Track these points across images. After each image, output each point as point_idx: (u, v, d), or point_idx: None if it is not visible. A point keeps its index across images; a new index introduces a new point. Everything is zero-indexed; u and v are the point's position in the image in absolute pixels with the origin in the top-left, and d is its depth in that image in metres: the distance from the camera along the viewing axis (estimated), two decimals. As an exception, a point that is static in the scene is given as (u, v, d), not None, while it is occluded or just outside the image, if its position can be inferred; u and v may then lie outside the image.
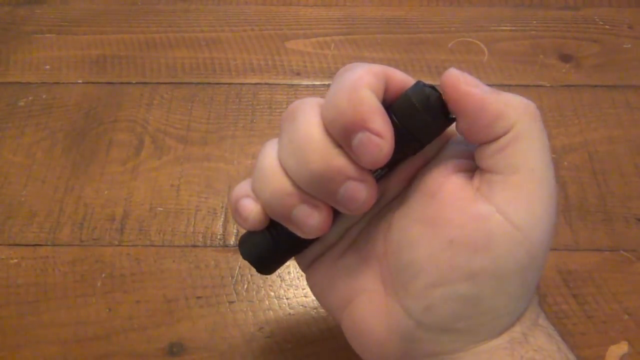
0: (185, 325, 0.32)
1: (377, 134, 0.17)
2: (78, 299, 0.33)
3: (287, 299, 0.33)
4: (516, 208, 0.17)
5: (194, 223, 0.36)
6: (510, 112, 0.17)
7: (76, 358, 0.31)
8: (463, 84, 0.17)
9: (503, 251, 0.17)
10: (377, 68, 0.18)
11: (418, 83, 0.18)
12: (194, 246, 0.35)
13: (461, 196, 0.18)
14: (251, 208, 0.21)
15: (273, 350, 0.31)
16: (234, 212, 0.21)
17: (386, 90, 0.18)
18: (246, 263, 0.34)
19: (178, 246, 0.35)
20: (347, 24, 0.46)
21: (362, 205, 0.19)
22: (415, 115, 0.18)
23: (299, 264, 0.24)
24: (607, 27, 0.46)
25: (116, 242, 0.35)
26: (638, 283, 0.33)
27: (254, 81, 0.43)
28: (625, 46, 0.44)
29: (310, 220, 0.19)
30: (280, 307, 0.33)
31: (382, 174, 0.20)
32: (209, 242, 0.35)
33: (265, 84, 0.43)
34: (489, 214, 0.17)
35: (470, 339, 0.19)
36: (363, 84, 0.18)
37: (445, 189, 0.19)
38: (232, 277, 0.34)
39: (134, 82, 0.43)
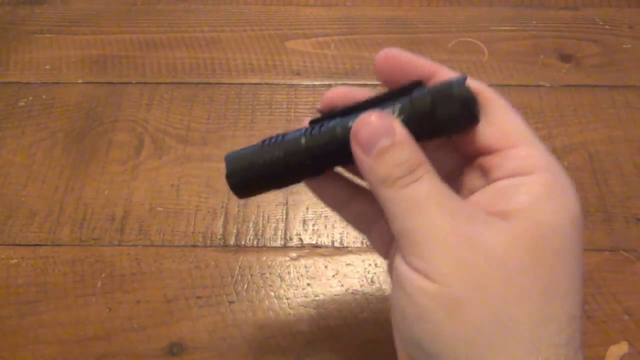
0: (185, 325, 0.32)
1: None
2: (78, 299, 0.33)
3: (287, 299, 0.33)
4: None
5: (194, 223, 0.36)
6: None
7: (76, 358, 0.31)
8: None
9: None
10: None
11: (462, 77, 0.19)
12: (194, 246, 0.35)
13: None
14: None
15: (273, 350, 0.31)
16: None
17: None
18: (246, 263, 0.34)
19: (178, 246, 0.35)
20: (347, 24, 0.46)
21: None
22: (449, 104, 0.19)
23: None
24: (607, 27, 0.46)
25: (116, 242, 0.35)
26: (638, 283, 0.33)
27: (254, 81, 0.43)
28: (625, 46, 0.44)
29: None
30: (280, 307, 0.33)
31: None
32: (209, 242, 0.35)
33: (265, 84, 0.43)
34: None
35: None
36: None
37: None
38: (232, 277, 0.34)
39: (134, 82, 0.43)
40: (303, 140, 0.21)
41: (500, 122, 0.19)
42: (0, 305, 0.33)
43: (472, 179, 0.20)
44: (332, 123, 0.21)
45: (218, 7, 0.48)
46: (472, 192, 0.20)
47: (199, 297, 0.33)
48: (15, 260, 0.35)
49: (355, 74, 0.43)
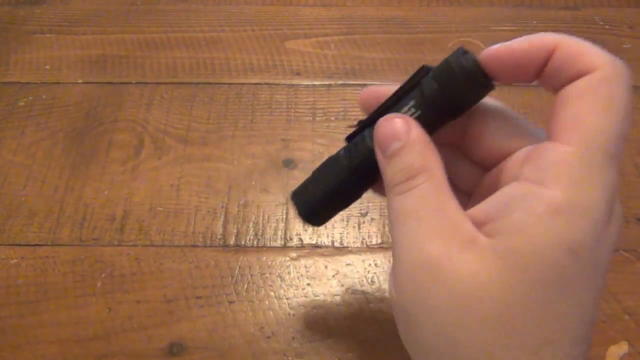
0: (185, 325, 0.32)
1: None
2: (78, 299, 0.33)
3: (287, 299, 0.33)
4: None
5: (194, 223, 0.36)
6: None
7: (76, 358, 0.31)
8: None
9: None
10: None
11: (459, 49, 0.19)
12: (194, 246, 0.35)
13: None
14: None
15: (273, 350, 0.31)
16: None
17: None
18: (246, 263, 0.34)
19: (178, 246, 0.35)
20: (347, 24, 0.46)
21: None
22: (453, 81, 0.18)
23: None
24: (607, 27, 0.46)
25: (116, 242, 0.35)
26: (638, 283, 0.33)
27: (254, 81, 0.43)
28: (625, 46, 0.44)
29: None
30: (280, 307, 0.33)
31: None
32: (209, 242, 0.35)
33: (265, 84, 0.43)
34: None
35: None
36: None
37: None
38: (232, 277, 0.34)
39: (134, 82, 0.43)
40: (344, 161, 0.22)
41: (570, 111, 0.16)
42: (0, 305, 0.33)
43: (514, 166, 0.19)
44: (364, 134, 0.21)
45: (218, 7, 0.48)
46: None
47: (199, 297, 0.33)
48: (15, 260, 0.35)
49: (355, 74, 0.43)
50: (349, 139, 0.22)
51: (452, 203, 0.18)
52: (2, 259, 0.35)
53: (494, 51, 0.18)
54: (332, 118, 0.41)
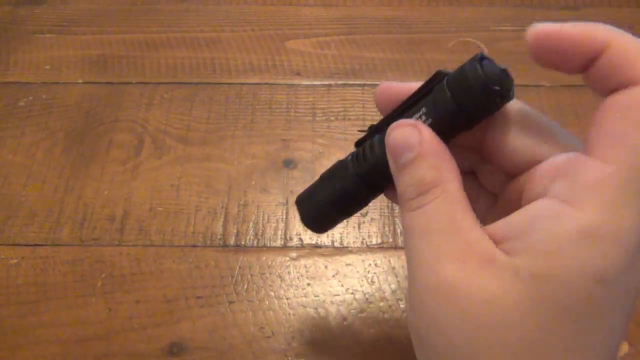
0: (185, 325, 0.32)
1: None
2: (78, 299, 0.33)
3: (287, 299, 0.33)
4: None
5: (194, 223, 0.36)
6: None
7: (76, 358, 0.31)
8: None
9: None
10: None
11: (476, 55, 0.17)
12: (194, 246, 0.35)
13: None
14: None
15: (273, 350, 0.31)
16: None
17: None
18: (246, 263, 0.34)
19: (178, 246, 0.35)
20: (347, 24, 0.46)
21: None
22: (467, 91, 0.17)
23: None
24: (607, 27, 0.46)
25: (116, 242, 0.35)
26: (638, 283, 0.33)
27: (254, 81, 0.43)
28: (625, 46, 0.44)
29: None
30: (280, 307, 0.33)
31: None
32: (209, 242, 0.35)
33: (265, 84, 0.43)
34: None
35: None
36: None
37: None
38: (232, 277, 0.34)
39: (134, 82, 0.43)
40: (351, 168, 0.21)
41: (616, 125, 0.15)
42: (0, 305, 0.33)
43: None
44: (373, 140, 0.20)
45: (218, 7, 0.48)
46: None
47: (199, 297, 0.33)
48: (15, 260, 0.35)
49: (355, 74, 0.43)
50: (358, 144, 0.22)
51: (467, 220, 0.17)
52: (2, 259, 0.35)
53: (545, 30, 0.16)
54: (332, 118, 0.41)
